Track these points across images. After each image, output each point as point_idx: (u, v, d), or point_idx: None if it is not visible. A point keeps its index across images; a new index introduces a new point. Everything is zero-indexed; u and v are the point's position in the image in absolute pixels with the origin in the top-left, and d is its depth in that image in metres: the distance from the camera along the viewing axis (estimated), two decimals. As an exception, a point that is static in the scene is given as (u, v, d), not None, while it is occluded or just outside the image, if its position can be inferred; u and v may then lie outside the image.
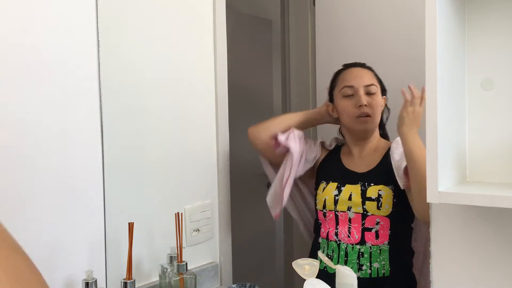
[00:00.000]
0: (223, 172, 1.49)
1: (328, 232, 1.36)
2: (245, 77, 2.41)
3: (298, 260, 1.00)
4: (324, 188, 1.38)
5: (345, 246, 1.31)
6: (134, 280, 1.17)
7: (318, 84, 2.23)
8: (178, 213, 1.24)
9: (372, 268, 1.28)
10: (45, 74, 1.10)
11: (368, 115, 1.34)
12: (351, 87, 1.36)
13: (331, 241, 1.34)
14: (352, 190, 1.33)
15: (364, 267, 1.28)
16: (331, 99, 1.45)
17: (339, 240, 1.32)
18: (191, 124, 1.42)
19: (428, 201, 0.79)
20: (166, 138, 1.36)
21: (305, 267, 0.98)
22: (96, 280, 1.10)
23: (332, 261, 1.31)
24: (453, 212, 0.92)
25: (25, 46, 1.06)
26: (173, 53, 1.37)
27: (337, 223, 1.33)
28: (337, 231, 1.33)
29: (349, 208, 1.31)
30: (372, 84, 1.36)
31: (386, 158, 1.33)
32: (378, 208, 1.28)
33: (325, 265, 1.22)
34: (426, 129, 0.78)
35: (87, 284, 1.09)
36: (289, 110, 2.61)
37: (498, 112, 0.87)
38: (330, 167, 1.44)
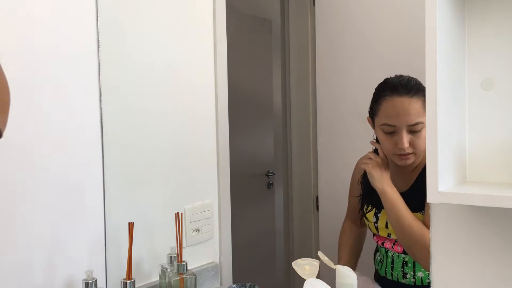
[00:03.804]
0: (223, 172, 1.49)
1: (377, 239, 1.38)
2: (245, 77, 2.41)
3: (298, 260, 1.00)
4: (366, 211, 1.37)
5: (392, 253, 1.32)
6: (134, 280, 1.17)
7: (318, 84, 2.23)
8: (178, 213, 1.24)
9: (416, 277, 1.27)
10: (45, 74, 1.10)
11: (409, 154, 1.24)
12: (392, 126, 1.23)
13: (381, 247, 1.36)
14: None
15: (408, 276, 1.29)
16: (371, 117, 1.33)
17: (387, 249, 1.33)
18: (191, 124, 1.41)
19: (428, 201, 0.79)
20: (166, 138, 1.36)
21: (305, 267, 0.98)
22: (96, 280, 1.10)
23: (383, 265, 1.33)
24: (453, 212, 0.92)
25: (25, 46, 1.07)
26: (173, 53, 1.37)
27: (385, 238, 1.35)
28: (384, 242, 1.34)
29: (389, 235, 1.32)
30: (417, 123, 1.21)
31: (423, 176, 1.28)
32: None
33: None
34: (426, 129, 0.78)
35: (87, 284, 1.09)
36: (289, 110, 2.61)
37: (498, 112, 0.87)
38: (367, 185, 1.37)
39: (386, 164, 1.31)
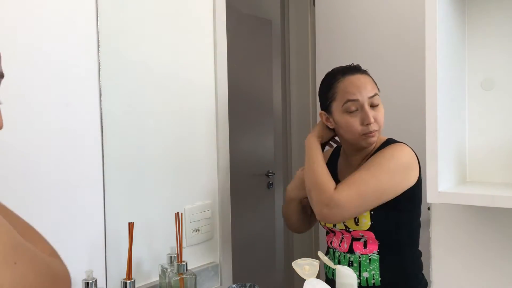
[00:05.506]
0: (223, 172, 1.49)
1: (327, 239, 1.37)
2: (245, 77, 2.41)
3: (298, 260, 1.00)
4: None
5: (339, 254, 1.30)
6: (134, 280, 1.17)
7: (318, 84, 2.23)
8: (178, 213, 1.24)
9: (361, 278, 1.24)
10: (45, 74, 1.10)
11: (375, 131, 1.22)
12: (355, 101, 1.22)
13: (330, 247, 1.35)
14: None
15: None
16: (325, 108, 1.30)
17: (334, 248, 1.32)
18: (191, 124, 1.42)
19: (428, 201, 0.79)
20: (166, 138, 1.36)
21: (305, 267, 0.98)
22: (96, 280, 1.10)
23: (330, 267, 1.30)
24: (453, 212, 0.92)
25: (25, 46, 1.07)
26: (173, 53, 1.37)
27: (334, 233, 1.32)
28: (332, 240, 1.33)
29: (334, 225, 1.29)
30: (375, 94, 1.23)
31: None
32: (356, 224, 1.23)
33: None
34: (426, 129, 0.78)
35: (87, 284, 1.09)
36: (289, 110, 2.62)
37: (498, 112, 0.87)
38: None
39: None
